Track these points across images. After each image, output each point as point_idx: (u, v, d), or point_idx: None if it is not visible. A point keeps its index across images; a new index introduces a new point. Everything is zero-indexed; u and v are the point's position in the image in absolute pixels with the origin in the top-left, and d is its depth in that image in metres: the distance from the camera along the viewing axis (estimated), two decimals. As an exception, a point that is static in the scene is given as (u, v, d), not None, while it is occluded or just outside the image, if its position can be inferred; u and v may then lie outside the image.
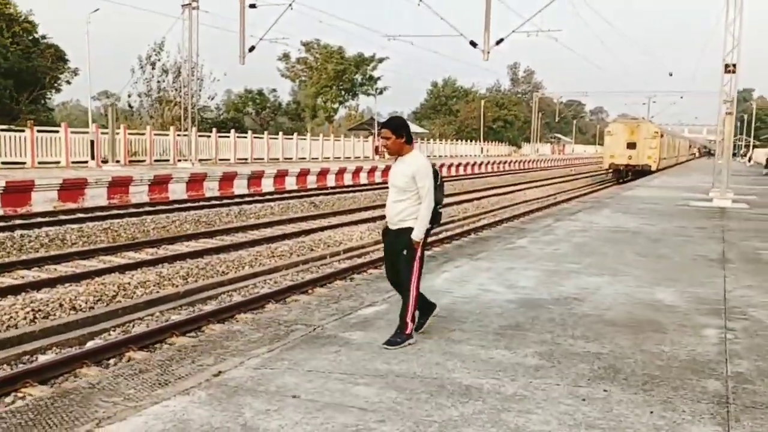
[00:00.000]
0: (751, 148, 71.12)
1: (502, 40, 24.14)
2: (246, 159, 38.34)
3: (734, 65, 21.43)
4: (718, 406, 3.98)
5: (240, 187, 28.40)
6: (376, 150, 50.87)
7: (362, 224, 19.36)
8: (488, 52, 24.15)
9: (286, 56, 54.05)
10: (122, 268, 12.04)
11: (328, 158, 45.67)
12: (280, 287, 10.87)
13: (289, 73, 55.94)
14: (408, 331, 5.11)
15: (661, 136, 41.71)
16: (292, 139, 42.68)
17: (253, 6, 27.96)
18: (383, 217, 20.49)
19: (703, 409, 3.91)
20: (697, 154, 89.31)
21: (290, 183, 31.79)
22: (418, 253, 5.07)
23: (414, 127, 60.34)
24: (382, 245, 5.48)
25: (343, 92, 55.58)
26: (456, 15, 25.30)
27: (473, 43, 24.49)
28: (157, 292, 10.84)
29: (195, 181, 26.03)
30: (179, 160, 32.21)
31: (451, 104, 78.81)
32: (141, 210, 20.18)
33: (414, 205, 5.01)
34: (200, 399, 3.91)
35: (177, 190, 25.17)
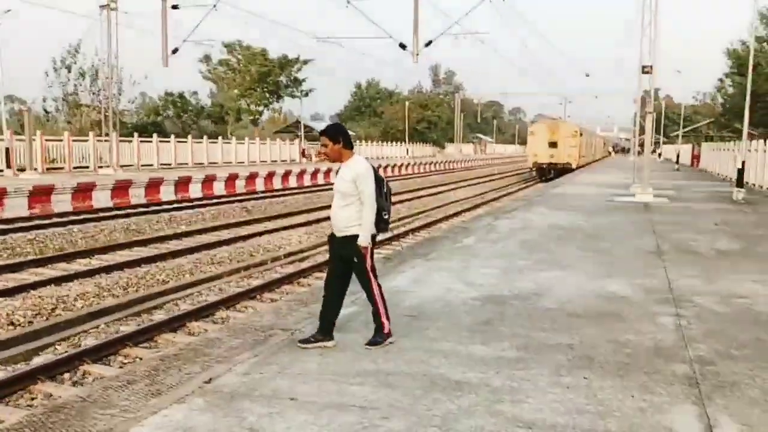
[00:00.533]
0: (660, 144, 74.87)
1: (431, 42, 24.57)
2: (170, 164, 37.42)
3: (651, 66, 22.63)
4: (690, 387, 4.29)
5: (167, 193, 27.69)
6: (303, 153, 50.66)
7: (299, 228, 19.29)
8: (417, 54, 24.52)
9: (207, 58, 53.11)
10: (58, 280, 11.63)
11: (255, 162, 45.13)
12: (229, 294, 10.74)
13: (210, 75, 54.91)
14: (386, 330, 5.20)
15: (581, 135, 43.47)
16: (216, 143, 41.97)
17: (175, 7, 27.32)
18: (319, 220, 20.58)
19: (677, 391, 4.20)
20: (612, 152, 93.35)
21: (219, 188, 31.23)
22: (368, 258, 5.11)
23: (340, 129, 60.29)
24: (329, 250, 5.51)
25: (267, 94, 55.00)
26: (386, 17, 25.59)
27: (402, 45, 24.82)
28: (98, 303, 10.51)
29: (120, 188, 25.19)
30: (100, 167, 31.10)
31: (375, 106, 79.32)
32: (66, 219, 19.41)
33: (359, 211, 5.04)
34: (198, 406, 3.89)
35: (101, 198, 24.29)
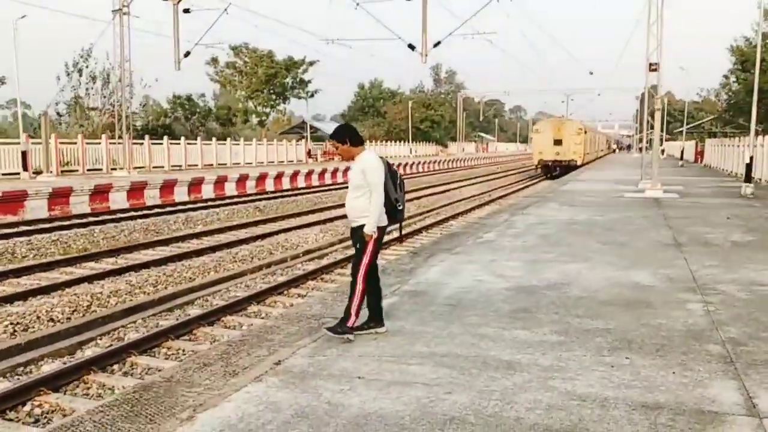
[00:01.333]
0: (663, 141, 75.07)
1: (439, 42, 24.90)
2: (180, 166, 37.78)
3: (657, 64, 22.94)
4: (726, 365, 4.62)
5: (180, 194, 28.08)
6: (309, 153, 50.98)
7: (314, 226, 19.61)
8: (426, 55, 24.84)
9: (214, 60, 53.46)
10: (90, 279, 11.96)
11: (262, 163, 45.49)
12: (256, 290, 11.08)
13: (218, 78, 55.29)
14: (350, 324, 5.28)
15: (585, 132, 43.79)
16: (225, 144, 42.32)
17: (187, 11, 27.70)
18: (332, 219, 20.93)
19: (715, 368, 4.53)
20: (615, 149, 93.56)
21: (230, 189, 31.60)
22: (369, 248, 5.25)
23: (345, 130, 60.60)
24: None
25: (274, 96, 55.34)
26: (395, 19, 25.91)
27: (411, 46, 25.16)
28: (131, 300, 10.84)
29: (136, 189, 25.58)
30: (113, 169, 31.45)
31: (378, 106, 79.66)
32: (86, 221, 19.79)
33: (368, 202, 5.26)
34: (275, 384, 4.23)
35: (118, 200, 24.67)
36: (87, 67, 37.61)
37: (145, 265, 13.26)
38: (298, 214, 22.90)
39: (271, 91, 54.41)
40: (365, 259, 5.27)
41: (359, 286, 5.29)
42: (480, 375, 4.40)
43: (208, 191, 29.75)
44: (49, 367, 7.67)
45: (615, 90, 68.50)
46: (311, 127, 53.03)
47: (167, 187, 27.32)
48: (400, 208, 5.46)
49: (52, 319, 9.70)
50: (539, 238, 10.70)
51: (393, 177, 5.44)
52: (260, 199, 28.62)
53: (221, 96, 66.30)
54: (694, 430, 3.56)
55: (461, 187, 36.33)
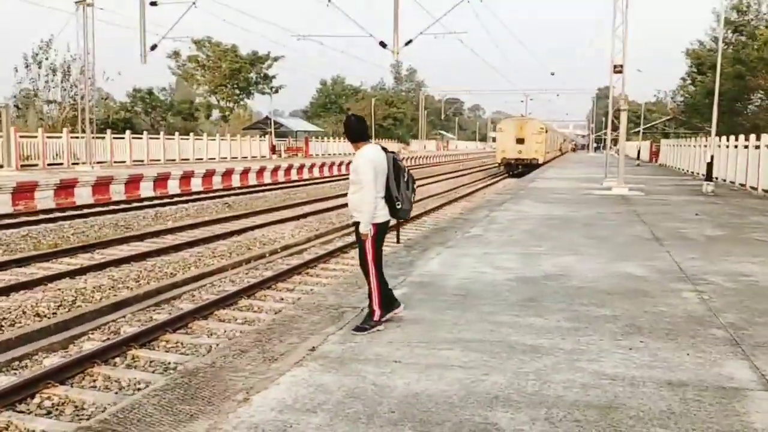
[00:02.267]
0: (608, 141, 76.88)
1: (411, 41, 25.13)
2: (142, 161, 37.21)
3: (622, 66, 23.63)
4: (732, 347, 4.96)
5: (146, 189, 27.71)
6: (273, 149, 50.73)
7: (288, 222, 19.66)
8: (398, 53, 25.06)
9: (176, 54, 52.65)
10: (72, 274, 11.83)
11: (225, 158, 45.07)
12: (245, 285, 11.14)
13: (179, 72, 54.45)
14: (376, 318, 5.37)
15: (546, 131, 44.71)
16: (188, 139, 41.81)
17: (153, 3, 27.31)
18: (306, 215, 21.03)
19: (724, 350, 4.87)
20: (573, 148, 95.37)
21: (196, 184, 31.29)
22: (367, 245, 5.30)
23: (308, 126, 60.59)
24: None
25: (237, 91, 54.83)
26: (365, 16, 26.05)
27: (383, 44, 25.33)
28: (115, 295, 10.78)
29: (101, 184, 25.16)
30: (74, 164, 30.83)
31: (341, 102, 79.63)
32: (54, 216, 19.45)
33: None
34: (317, 369, 4.38)
35: (83, 195, 24.23)
36: (47, 59, 36.69)
37: (125, 260, 13.15)
38: (270, 210, 22.85)
39: (235, 86, 53.93)
40: (368, 256, 5.31)
41: (374, 282, 5.34)
42: (510, 358, 4.64)
43: (173, 187, 29.40)
44: (49, 361, 7.63)
45: (573, 91, 69.83)
46: (275, 122, 52.74)
47: (133, 182, 26.94)
48: (399, 206, 5.38)
49: (38, 314, 9.61)
50: (524, 233, 11.02)
51: (397, 173, 5.37)
52: (228, 195, 28.48)
53: (177, 90, 65.36)
54: (721, 404, 3.85)
55: (428, 184, 36.67)
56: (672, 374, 4.34)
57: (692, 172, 32.00)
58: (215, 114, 55.82)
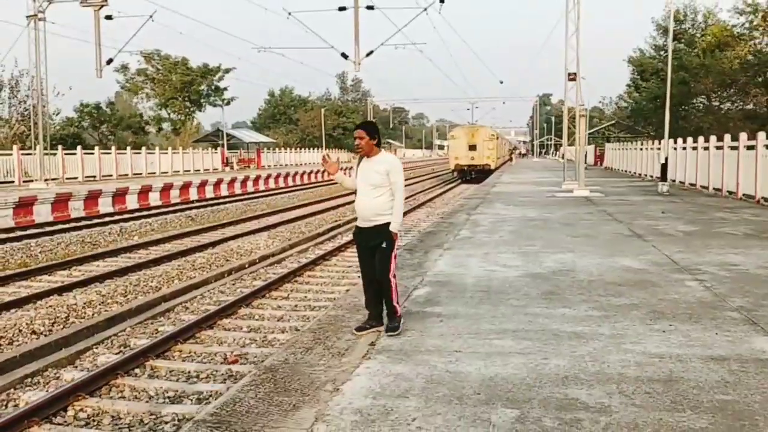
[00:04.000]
0: (564, 146, 79.31)
1: (371, 52, 25.54)
2: (94, 176, 36.46)
3: (575, 74, 24.61)
4: (752, 325, 5.46)
5: (105, 205, 27.24)
6: (226, 162, 50.31)
7: (261, 233, 19.73)
8: (359, 63, 25.43)
9: (124, 67, 51.56)
10: (59, 291, 11.74)
11: (178, 172, 44.49)
12: (242, 295, 11.26)
13: (128, 85, 53.39)
14: (399, 314, 5.53)
15: (497, 138, 45.84)
16: (140, 153, 41.15)
17: (109, 17, 26.93)
18: (275, 225, 21.14)
19: (745, 329, 5.36)
20: (523, 153, 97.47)
21: (154, 198, 30.89)
22: (396, 244, 5.48)
23: (260, 137, 60.27)
24: (356, 245, 5.79)
25: (188, 104, 54.12)
26: (327, 29, 26.31)
27: (344, 55, 25.67)
28: (106, 311, 10.77)
29: (60, 201, 24.61)
30: (26, 181, 30.02)
31: (290, 113, 79.41)
32: (16, 235, 19.05)
33: (388, 201, 5.44)
34: (386, 360, 4.66)
35: (42, 212, 23.68)
36: (-4, 74, 35.56)
37: (108, 276, 13.10)
38: (237, 222, 22.81)
39: (186, 99, 53.23)
40: (393, 255, 5.45)
41: (393, 282, 5.46)
42: (560, 344, 5.00)
43: (132, 201, 28.99)
44: (70, 375, 7.65)
45: (517, 98, 71.74)
46: (228, 135, 52.31)
47: (91, 198, 26.44)
48: None
49: (34, 332, 9.55)
50: (511, 234, 11.48)
51: None
52: (189, 209, 28.22)
53: (117, 104, 64.02)
54: (766, 373, 4.30)
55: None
56: (711, 351, 4.78)
57: (640, 174, 33.35)
58: (166, 127, 54.96)
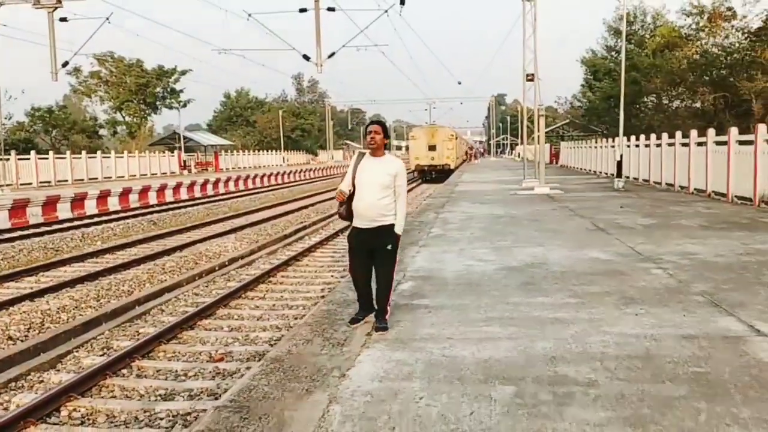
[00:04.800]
0: (520, 145, 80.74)
1: (333, 53, 25.76)
2: (49, 182, 35.82)
3: (533, 75, 25.28)
4: (715, 307, 5.93)
5: (64, 210, 26.84)
6: (183, 165, 49.82)
7: (227, 235, 19.77)
8: (321, 65, 25.62)
9: (76, 70, 50.53)
10: (31, 297, 11.69)
11: (134, 176, 43.96)
12: (220, 295, 11.38)
13: (81, 88, 52.35)
14: (388, 315, 5.70)
15: (456, 138, 46.53)
16: (96, 158, 40.53)
17: (63, 20, 26.47)
18: (241, 228, 21.24)
19: (710, 310, 5.83)
20: (478, 153, 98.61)
21: (113, 203, 30.52)
22: (399, 244, 5.65)
23: (217, 139, 59.79)
24: (351, 247, 5.86)
25: (144, 106, 53.34)
26: (289, 31, 26.40)
27: (306, 57, 25.82)
28: (81, 315, 10.79)
29: (18, 207, 24.18)
30: (-24, 188, 29.39)
31: (246, 115, 78.91)
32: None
33: (392, 202, 5.54)
34: (384, 348, 4.97)
35: (-2, 218, 23.22)
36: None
37: (78, 281, 13.06)
38: (202, 225, 22.73)
39: (142, 101, 52.45)
40: (397, 255, 5.62)
41: (393, 280, 5.66)
42: (544, 329, 5.37)
43: (91, 207, 28.60)
44: (57, 378, 7.72)
45: (473, 98, 72.74)
46: (185, 138, 51.76)
47: (50, 204, 26.05)
48: None
49: (10, 338, 9.54)
50: (482, 230, 11.89)
51: None
52: (150, 213, 28.00)
53: (68, 107, 62.70)
54: (732, 348, 4.77)
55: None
56: (681, 330, 5.22)
57: (595, 171, 34.34)
58: (121, 130, 54.06)
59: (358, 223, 5.64)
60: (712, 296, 6.35)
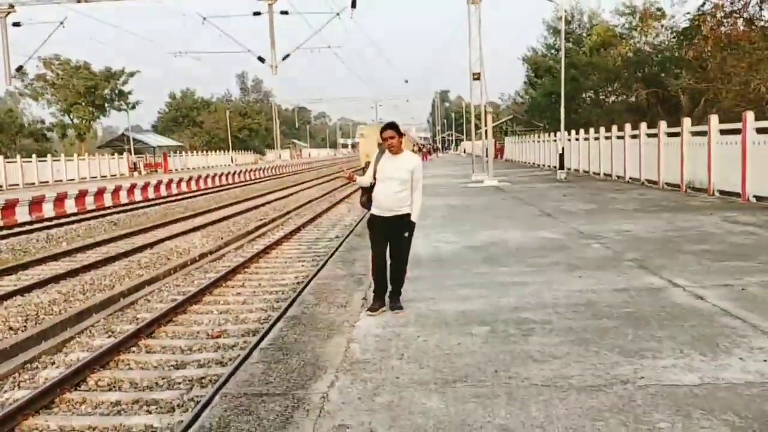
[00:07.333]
0: (466, 141, 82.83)
1: (288, 55, 26.67)
2: (1, 186, 35.56)
3: (479, 74, 26.77)
4: (642, 269, 7.32)
5: (22, 214, 26.94)
6: (134, 167, 49.74)
7: (193, 233, 20.42)
8: (276, 67, 26.50)
9: (22, 73, 49.55)
10: (21, 292, 12.31)
11: (85, 179, 43.78)
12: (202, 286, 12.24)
13: (27, 91, 51.57)
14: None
15: (405, 135, 47.81)
16: (46, 161, 40.31)
17: (17, 24, 26.61)
18: (205, 225, 22.06)
19: (639, 273, 7.21)
20: (431, 150, 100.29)
21: (70, 206, 30.64)
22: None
23: (166, 141, 59.61)
24: (370, 233, 6.42)
25: (92, 109, 52.86)
26: (244, 32, 27.15)
27: (261, 59, 26.65)
28: (71, 307, 11.52)
29: (-24, 211, 24.27)
30: (-72, 193, 29.09)
31: (193, 116, 78.61)
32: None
33: (408, 195, 6.09)
34: (382, 318, 6.07)
35: (-42, 222, 23.29)
36: None
37: (62, 277, 13.65)
38: (164, 224, 23.25)
39: (90, 104, 52.00)
40: (412, 240, 6.17)
41: (407, 262, 6.23)
42: (507, 289, 6.62)
43: (49, 209, 28.73)
44: (73, 357, 8.55)
45: (419, 95, 74.25)
46: (135, 140, 51.61)
47: (8, 207, 26.15)
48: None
49: (11, 328, 10.24)
50: (444, 218, 13.14)
51: None
52: (109, 214, 28.27)
53: (4, 111, 61.55)
54: (655, 296, 6.11)
55: (301, 191, 38.09)
56: (615, 285, 6.55)
57: (538, 164, 36.19)
58: (70, 133, 53.46)
59: (377, 211, 6.19)
60: (641, 262, 7.73)
